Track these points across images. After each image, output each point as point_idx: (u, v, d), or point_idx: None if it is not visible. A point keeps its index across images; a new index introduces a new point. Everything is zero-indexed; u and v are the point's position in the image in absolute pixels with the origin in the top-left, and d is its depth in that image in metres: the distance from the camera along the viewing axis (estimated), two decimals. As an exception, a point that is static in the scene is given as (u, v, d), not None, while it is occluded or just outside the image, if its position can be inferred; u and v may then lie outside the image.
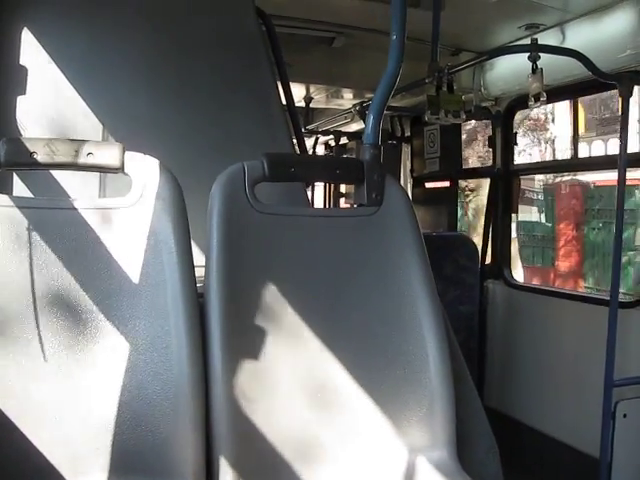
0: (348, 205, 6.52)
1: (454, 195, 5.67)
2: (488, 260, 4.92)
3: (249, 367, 1.80)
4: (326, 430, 1.88)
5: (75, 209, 1.80)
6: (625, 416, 3.39)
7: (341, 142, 6.61)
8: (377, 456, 1.91)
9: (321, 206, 7.22)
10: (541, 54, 3.53)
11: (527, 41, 3.76)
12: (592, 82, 3.67)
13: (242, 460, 1.73)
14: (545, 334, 4.42)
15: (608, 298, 3.46)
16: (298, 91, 5.25)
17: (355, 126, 6.19)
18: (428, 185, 5.89)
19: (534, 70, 3.52)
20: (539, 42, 3.59)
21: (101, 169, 1.87)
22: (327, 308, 1.95)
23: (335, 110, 5.95)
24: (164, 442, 1.72)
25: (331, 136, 6.66)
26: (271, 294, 1.88)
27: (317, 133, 6.57)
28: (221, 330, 1.78)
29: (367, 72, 4.57)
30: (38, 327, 1.73)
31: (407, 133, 5.93)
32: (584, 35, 3.86)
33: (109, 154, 1.81)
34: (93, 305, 1.77)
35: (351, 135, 6.43)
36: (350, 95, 5.51)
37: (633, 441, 3.47)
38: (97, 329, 1.77)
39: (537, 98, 3.60)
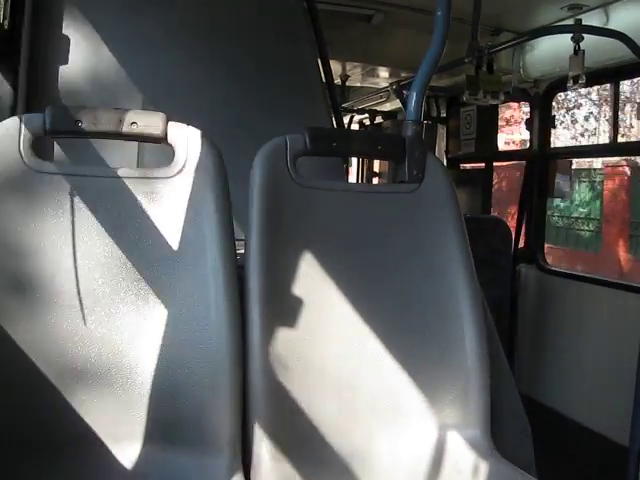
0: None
1: (489, 177, 5.62)
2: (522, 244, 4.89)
3: (286, 339, 1.81)
4: (360, 403, 1.88)
5: (118, 177, 1.81)
6: (657, 405, 3.36)
7: (376, 121, 6.59)
8: (412, 432, 1.91)
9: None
10: (584, 35, 3.48)
11: (569, 22, 3.71)
12: (635, 65, 3.61)
13: (277, 431, 1.74)
14: (577, 320, 4.39)
15: (644, 285, 3.42)
16: (335, 68, 5.22)
17: (390, 105, 6.16)
18: (463, 166, 5.85)
19: (576, 51, 3.47)
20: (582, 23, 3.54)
21: (145, 138, 1.88)
22: (364, 283, 1.94)
23: (370, 89, 5.93)
24: (200, 411, 1.74)
25: (366, 115, 6.64)
26: (310, 267, 1.88)
27: (352, 111, 6.55)
28: (259, 302, 1.78)
29: (404, 50, 4.55)
30: (79, 293, 1.75)
31: (443, 114, 5.89)
32: (629, 17, 3.79)
33: (152, 124, 1.81)
34: (133, 273, 1.79)
35: (386, 114, 6.41)
36: (386, 74, 5.49)
37: (664, 430, 3.43)
38: (137, 297, 1.78)
39: (576, 80, 3.55)
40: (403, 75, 5.23)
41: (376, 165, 6.71)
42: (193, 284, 1.78)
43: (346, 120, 6.83)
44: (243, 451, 1.75)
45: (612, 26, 3.75)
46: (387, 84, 5.46)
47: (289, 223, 1.87)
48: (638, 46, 3.33)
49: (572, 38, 3.43)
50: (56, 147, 2.28)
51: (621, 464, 3.40)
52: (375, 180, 6.72)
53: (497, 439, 1.95)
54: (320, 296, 1.88)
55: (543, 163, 4.75)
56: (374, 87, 5.84)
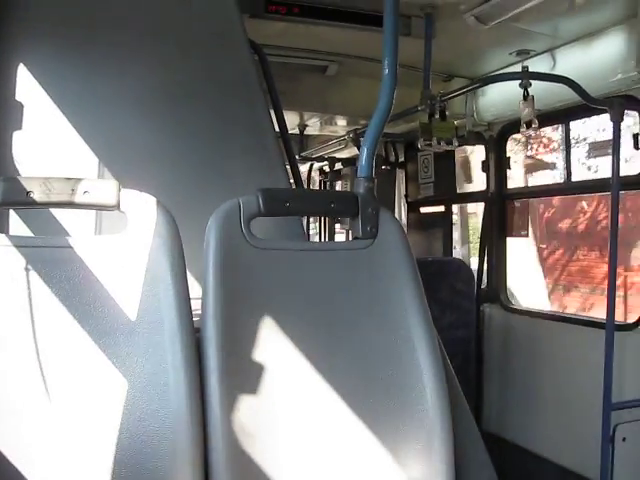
0: (344, 231, 6.54)
1: (449, 219, 5.69)
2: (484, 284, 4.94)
3: (247, 402, 1.80)
4: (326, 464, 1.87)
5: (71, 247, 1.81)
6: (624, 439, 3.39)
7: (335, 168, 6.64)
8: None
9: (317, 230, 7.24)
10: (532, 80, 3.56)
11: (518, 66, 3.81)
12: (584, 106, 3.70)
13: None
14: (543, 357, 4.42)
15: (605, 321, 3.47)
16: (292, 119, 5.29)
17: (348, 152, 6.22)
18: (423, 210, 5.92)
19: (525, 97, 3.55)
20: (530, 68, 3.63)
21: (97, 207, 1.88)
22: (324, 343, 1.95)
23: (329, 137, 5.99)
24: (162, 479, 1.71)
25: (326, 162, 6.69)
26: (268, 329, 1.88)
27: (312, 160, 6.59)
28: (218, 366, 1.77)
29: (360, 99, 4.61)
30: (39, 364, 1.73)
31: (401, 158, 5.98)
32: (575, 60, 3.91)
33: (105, 192, 1.81)
34: (90, 344, 1.77)
35: (345, 161, 6.46)
36: (344, 122, 5.55)
37: (633, 464, 3.46)
38: (94, 367, 1.77)
39: (529, 124, 3.63)
40: (361, 123, 5.29)
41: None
42: (150, 351, 1.77)
43: (306, 167, 6.89)
44: None
45: (559, 69, 3.87)
46: (345, 132, 5.53)
47: (245, 285, 1.88)
48: (582, 89, 3.43)
49: (520, 84, 3.52)
50: (13, 216, 2.26)
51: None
52: (337, 226, 6.75)
53: None
54: (280, 358, 1.88)
55: (501, 203, 4.83)
56: (333, 135, 5.90)
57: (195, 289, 1.93)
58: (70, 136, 2.48)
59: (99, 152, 2.46)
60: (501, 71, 4.30)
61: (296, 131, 5.59)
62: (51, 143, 2.48)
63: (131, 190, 1.85)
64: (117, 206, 1.82)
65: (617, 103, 3.42)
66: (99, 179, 1.96)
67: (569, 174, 4.48)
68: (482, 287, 4.90)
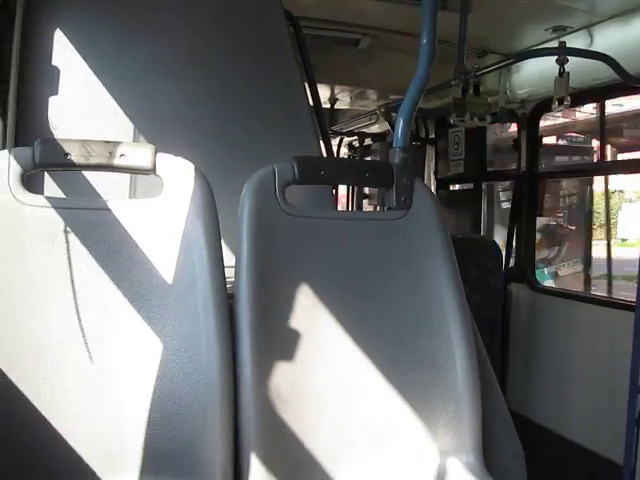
0: (371, 207, 6.53)
1: (478, 197, 5.65)
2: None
3: (279, 367, 1.81)
4: (357, 433, 1.88)
5: (108, 209, 1.82)
6: (649, 423, 3.36)
7: (365, 143, 6.62)
8: (405, 459, 1.91)
9: (343, 208, 7.23)
10: (568, 57, 3.51)
11: (554, 44, 3.75)
12: (620, 85, 3.65)
13: (271, 462, 1.74)
14: (569, 338, 4.40)
15: (634, 303, 3.43)
16: (323, 92, 5.26)
17: (378, 127, 6.19)
18: (452, 187, 5.88)
19: (561, 73, 3.51)
20: (566, 44, 3.58)
21: (134, 170, 1.89)
22: (356, 311, 1.95)
23: (359, 111, 5.97)
24: (192, 443, 1.73)
25: (355, 137, 6.67)
26: (301, 296, 1.88)
27: (341, 134, 6.58)
28: (251, 332, 1.78)
29: (391, 74, 4.58)
30: (78, 324, 1.75)
31: (432, 135, 5.94)
32: (612, 38, 3.84)
33: (141, 156, 1.82)
34: (125, 305, 1.79)
35: (375, 136, 6.44)
36: (374, 96, 5.52)
37: (657, 448, 3.44)
38: (129, 329, 1.79)
39: (561, 102, 3.58)
40: (391, 98, 5.26)
41: (367, 188, 6.73)
42: (183, 315, 1.78)
43: (335, 142, 6.87)
44: None
45: (596, 47, 3.80)
46: (375, 107, 5.50)
47: (278, 252, 1.88)
48: (621, 66, 3.37)
49: (557, 60, 3.46)
50: (47, 179, 2.28)
51: (615, 482, 3.40)
52: (365, 202, 6.74)
53: (490, 463, 1.95)
54: (312, 325, 1.89)
55: (532, 183, 4.78)
56: (363, 110, 5.87)
57: (229, 256, 1.94)
58: (105, 101, 2.50)
59: (134, 118, 2.48)
60: (537, 47, 4.23)
61: (327, 105, 5.57)
62: (87, 108, 2.50)
63: (167, 154, 1.85)
64: (153, 170, 1.83)
65: (655, 82, 3.37)
66: (136, 143, 1.96)
67: (603, 154, 4.42)
68: (510, 266, 4.88)
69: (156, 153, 1.83)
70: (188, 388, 1.75)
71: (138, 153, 1.82)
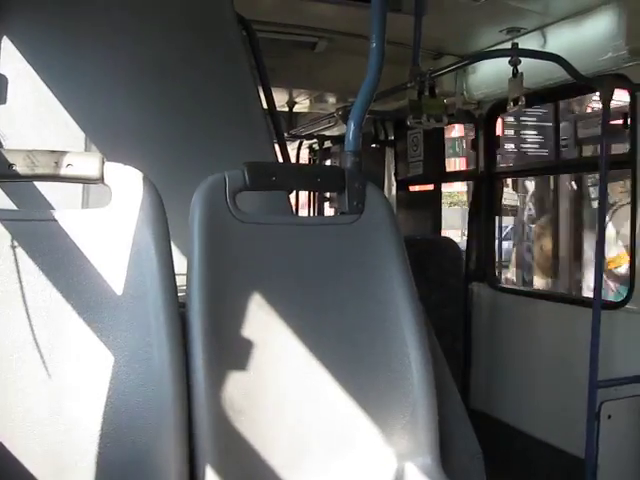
0: (333, 210, 6.53)
1: (438, 198, 5.69)
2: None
3: (233, 377, 1.80)
4: (314, 441, 1.88)
5: (55, 220, 1.79)
6: (610, 417, 3.41)
7: (325, 146, 6.61)
8: (363, 465, 1.91)
9: (305, 211, 7.23)
10: (522, 58, 3.54)
11: (509, 44, 3.77)
12: (573, 85, 3.69)
13: (227, 472, 1.72)
14: (530, 336, 4.44)
15: (592, 299, 3.48)
16: (281, 96, 5.25)
17: (338, 130, 6.19)
18: (412, 188, 5.91)
19: (514, 74, 3.53)
20: (520, 46, 3.61)
21: (81, 180, 1.86)
22: (311, 316, 1.94)
23: (319, 114, 5.96)
24: (147, 454, 1.71)
25: (315, 140, 6.66)
26: (254, 303, 1.87)
27: (301, 137, 6.56)
28: (203, 341, 1.77)
29: (349, 76, 4.55)
30: (31, 339, 1.72)
31: (391, 136, 5.95)
32: (565, 38, 3.88)
33: (89, 165, 1.80)
34: (75, 317, 1.76)
35: (335, 139, 6.43)
36: (333, 99, 5.52)
37: (618, 442, 3.48)
38: (80, 341, 1.76)
39: (516, 102, 3.61)
40: (350, 100, 5.26)
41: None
42: (134, 326, 1.76)
43: (295, 145, 6.86)
44: None
45: (549, 47, 3.84)
46: (334, 109, 5.49)
47: (231, 259, 1.87)
48: (572, 66, 3.40)
49: (509, 62, 3.49)
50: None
51: (577, 476, 3.44)
52: (326, 205, 6.74)
53: (448, 465, 1.96)
54: (266, 333, 1.88)
55: (490, 183, 4.82)
56: (322, 112, 5.87)
57: (181, 265, 1.92)
58: (56, 111, 2.46)
59: (85, 127, 2.45)
60: (490, 49, 4.27)
61: (285, 108, 5.56)
62: (37, 118, 2.46)
63: (115, 163, 1.83)
64: (101, 179, 1.81)
65: (607, 82, 3.40)
66: (83, 152, 1.93)
67: (558, 153, 4.47)
68: (470, 266, 4.92)
69: (104, 162, 1.81)
70: (141, 399, 1.72)
71: (85, 162, 1.80)
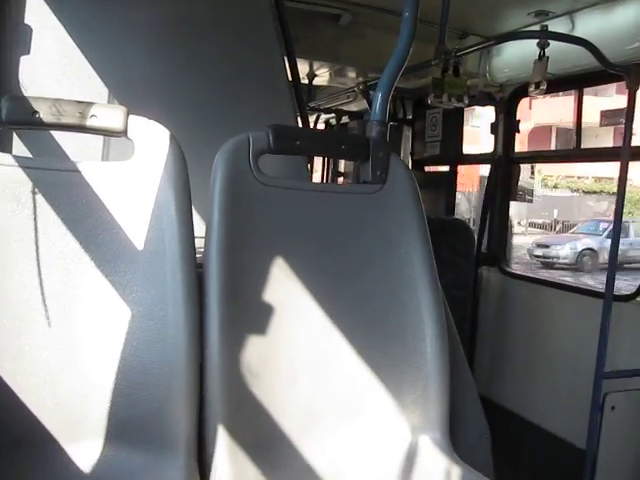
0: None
1: (453, 179, 5.65)
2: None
3: (248, 339, 1.79)
4: (327, 406, 1.88)
5: (78, 171, 1.77)
6: (613, 408, 3.41)
7: (342, 121, 6.57)
8: (373, 433, 1.91)
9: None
10: (549, 42, 3.50)
11: (536, 28, 3.74)
12: (599, 73, 3.65)
13: (238, 434, 1.72)
14: (538, 324, 4.44)
15: (603, 291, 3.46)
16: (302, 67, 5.21)
17: (356, 106, 6.15)
18: (428, 169, 5.88)
19: (541, 57, 3.49)
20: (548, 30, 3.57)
21: (104, 132, 1.83)
22: (328, 284, 1.93)
23: (338, 88, 5.90)
24: (157, 411, 1.71)
25: (332, 114, 6.62)
26: (272, 266, 1.86)
27: (319, 111, 6.51)
28: (219, 301, 1.76)
29: (372, 51, 4.54)
30: (41, 288, 1.71)
31: (409, 115, 5.90)
32: (593, 25, 3.84)
33: (113, 117, 1.77)
34: (92, 270, 1.75)
35: (352, 114, 6.39)
36: (353, 74, 5.47)
37: (620, 433, 3.48)
38: (95, 294, 1.75)
39: (538, 86, 3.58)
40: (370, 76, 5.22)
41: (342, 165, 6.70)
42: (151, 282, 1.75)
43: (313, 119, 6.81)
44: (202, 452, 1.73)
45: (577, 33, 3.79)
46: (354, 84, 5.45)
47: (251, 221, 1.85)
48: (601, 53, 3.36)
49: (537, 44, 3.45)
50: (16, 141, 2.22)
51: (577, 466, 3.44)
52: (340, 180, 6.71)
53: (456, 442, 1.95)
54: (283, 296, 1.87)
55: (507, 167, 4.79)
56: (341, 87, 5.81)
57: (201, 227, 1.90)
58: (79, 64, 2.44)
59: (109, 83, 2.43)
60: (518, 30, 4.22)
61: (305, 80, 5.51)
62: (59, 70, 2.44)
63: (140, 117, 1.81)
64: (125, 132, 1.78)
65: (635, 70, 3.36)
66: (107, 104, 1.91)
67: (579, 141, 4.43)
68: (482, 250, 4.90)
69: (128, 115, 1.79)
70: (153, 356, 1.72)
71: (110, 114, 1.77)
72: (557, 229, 28.78)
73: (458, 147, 5.45)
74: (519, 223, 29.47)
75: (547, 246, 22.12)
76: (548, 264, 21.18)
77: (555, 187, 31.30)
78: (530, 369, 4.48)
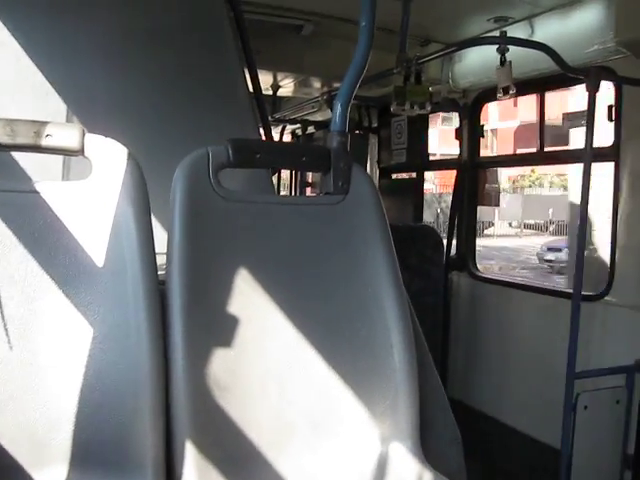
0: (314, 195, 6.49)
1: (420, 186, 5.69)
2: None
3: (214, 355, 1.77)
4: (298, 420, 1.86)
5: (37, 192, 1.75)
6: (586, 408, 3.43)
7: (308, 131, 6.58)
8: (344, 445, 1.89)
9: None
10: (510, 47, 3.54)
11: (496, 34, 3.78)
12: (560, 76, 3.70)
13: (207, 451, 1.70)
14: (509, 326, 4.47)
15: (571, 291, 3.49)
16: (266, 79, 5.22)
17: (322, 115, 6.17)
18: (395, 176, 5.90)
19: (502, 63, 3.53)
20: (508, 35, 3.61)
21: (60, 151, 1.81)
22: (294, 297, 1.92)
23: (303, 99, 5.92)
24: (123, 432, 1.68)
25: (298, 125, 6.63)
26: (236, 281, 1.84)
27: (284, 122, 6.52)
28: (182, 318, 1.73)
29: (335, 61, 4.53)
30: (1, 312, 1.68)
31: (374, 124, 5.94)
32: (552, 29, 3.89)
33: (69, 136, 1.75)
34: (52, 291, 1.72)
35: (318, 124, 6.40)
36: (318, 84, 5.49)
37: (593, 432, 3.50)
38: (55, 316, 1.72)
39: (506, 91, 3.61)
40: (335, 85, 5.24)
41: (310, 175, 6.72)
42: (112, 301, 1.72)
43: (278, 130, 6.81)
44: (171, 472, 1.71)
45: (537, 38, 3.85)
46: (319, 94, 5.47)
47: (212, 237, 1.83)
48: (560, 57, 3.40)
49: (497, 49, 3.49)
50: None
51: (553, 466, 3.46)
52: (308, 190, 6.72)
53: (427, 449, 1.95)
54: (249, 310, 1.85)
55: (473, 172, 4.82)
56: (307, 97, 5.83)
57: (163, 243, 1.88)
58: (36, 81, 2.41)
59: (66, 99, 2.40)
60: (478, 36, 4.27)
61: (269, 92, 5.52)
62: (16, 89, 2.41)
63: (96, 135, 1.79)
64: (81, 151, 1.76)
65: (594, 73, 3.40)
66: (63, 123, 1.88)
67: (542, 144, 4.47)
68: (451, 255, 4.93)
69: (84, 134, 1.76)
70: (117, 377, 1.69)
71: (65, 133, 1.75)
72: (550, 230, 28.38)
73: (424, 154, 5.49)
74: (510, 225, 29.43)
75: (559, 250, 19.66)
76: (562, 269, 18.41)
77: (551, 186, 31.28)
78: (504, 371, 4.51)
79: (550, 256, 20.48)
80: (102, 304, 1.72)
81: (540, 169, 29.26)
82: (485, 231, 26.32)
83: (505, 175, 30.92)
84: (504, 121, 30.86)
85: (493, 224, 28.07)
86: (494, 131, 33.01)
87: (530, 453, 4.13)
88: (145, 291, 1.71)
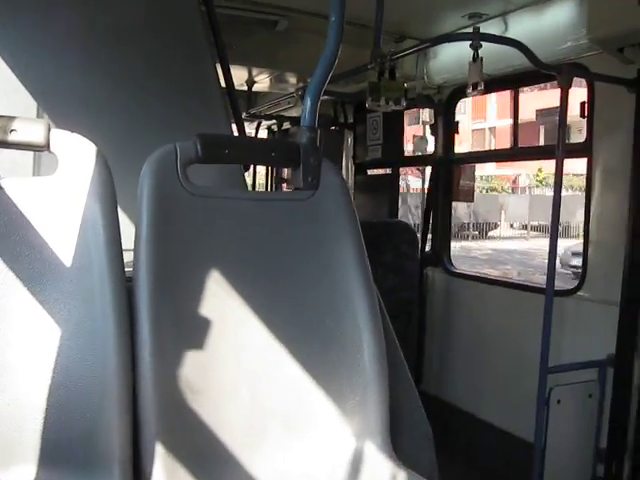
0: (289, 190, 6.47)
1: (396, 182, 5.70)
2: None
3: (182, 352, 1.75)
4: (270, 419, 1.85)
5: (1, 188, 1.72)
6: (559, 402, 3.46)
7: (284, 127, 6.57)
8: (316, 442, 1.89)
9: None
10: (483, 43, 3.55)
11: (470, 30, 3.78)
12: (533, 73, 3.72)
13: (176, 450, 1.68)
14: (484, 321, 4.49)
15: (544, 286, 3.51)
16: (241, 74, 5.19)
17: (297, 111, 6.15)
18: (370, 172, 5.91)
19: (475, 58, 3.53)
20: (481, 31, 3.61)
21: (26, 147, 1.79)
22: (264, 293, 1.90)
23: (278, 94, 5.90)
24: (90, 431, 1.66)
25: (274, 121, 6.61)
26: (205, 277, 1.83)
27: (259, 117, 6.50)
28: (150, 316, 1.72)
29: (310, 56, 4.50)
30: None
31: (350, 119, 5.94)
32: (526, 26, 3.91)
33: (34, 131, 1.72)
34: (18, 289, 1.70)
35: (294, 120, 6.39)
36: (293, 79, 5.48)
37: (566, 426, 3.54)
38: (21, 313, 1.70)
39: (475, 87, 3.62)
40: (309, 80, 5.22)
41: (285, 171, 6.70)
42: (78, 298, 1.70)
43: (254, 126, 6.79)
44: (138, 473, 1.69)
45: (510, 34, 3.86)
46: (294, 89, 5.45)
47: (180, 233, 1.82)
48: (533, 53, 3.42)
49: (470, 45, 3.49)
50: None
51: (526, 460, 3.48)
52: (284, 187, 6.70)
53: (398, 446, 1.94)
54: (218, 307, 1.83)
55: (447, 168, 4.84)
56: (282, 93, 5.82)
57: (130, 239, 1.87)
58: (5, 78, 2.38)
59: (36, 95, 2.37)
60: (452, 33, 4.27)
61: (244, 87, 5.49)
62: None
63: (62, 131, 1.76)
64: (47, 146, 1.74)
65: (566, 70, 3.42)
66: (29, 118, 1.86)
67: (516, 140, 4.50)
68: (426, 250, 4.94)
69: (50, 129, 1.74)
70: (84, 374, 1.67)
71: (30, 129, 1.72)
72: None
73: (399, 150, 5.49)
74: (511, 226, 29.01)
75: (585, 254, 19.74)
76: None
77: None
78: (479, 366, 4.53)
79: (575, 261, 20.53)
80: (69, 301, 1.70)
81: (546, 169, 29.08)
82: (489, 233, 25.87)
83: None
84: (502, 119, 30.87)
85: (497, 225, 27.45)
86: (492, 129, 33.22)
87: (505, 447, 4.16)
88: (112, 288, 1.69)
